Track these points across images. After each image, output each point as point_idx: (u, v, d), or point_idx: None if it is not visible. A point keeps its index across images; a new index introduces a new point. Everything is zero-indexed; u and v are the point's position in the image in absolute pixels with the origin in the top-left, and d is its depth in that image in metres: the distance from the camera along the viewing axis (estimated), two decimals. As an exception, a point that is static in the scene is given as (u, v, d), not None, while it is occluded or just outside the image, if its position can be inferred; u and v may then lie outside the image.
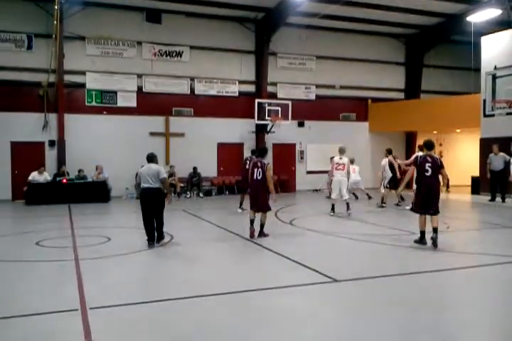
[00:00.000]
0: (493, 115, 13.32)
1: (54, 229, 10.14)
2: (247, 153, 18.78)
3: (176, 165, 17.11)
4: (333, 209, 11.75)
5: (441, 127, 19.87)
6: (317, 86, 19.90)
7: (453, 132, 21.29)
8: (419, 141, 21.27)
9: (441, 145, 21.54)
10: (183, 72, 17.99)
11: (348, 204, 11.65)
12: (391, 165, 13.23)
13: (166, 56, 17.82)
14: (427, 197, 7.74)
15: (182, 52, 17.98)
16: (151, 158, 8.40)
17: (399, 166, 13.08)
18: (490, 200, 14.42)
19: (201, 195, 17.21)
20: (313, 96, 19.90)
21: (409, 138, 21.42)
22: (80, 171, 15.63)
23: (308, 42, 19.43)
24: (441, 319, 4.66)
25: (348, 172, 11.55)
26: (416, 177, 8.00)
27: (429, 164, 7.67)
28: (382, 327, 4.45)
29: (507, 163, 13.55)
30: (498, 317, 4.85)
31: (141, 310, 4.94)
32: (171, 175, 16.94)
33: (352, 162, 13.93)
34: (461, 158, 20.50)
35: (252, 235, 8.73)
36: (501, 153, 14.03)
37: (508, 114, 12.95)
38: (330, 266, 6.65)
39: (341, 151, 11.55)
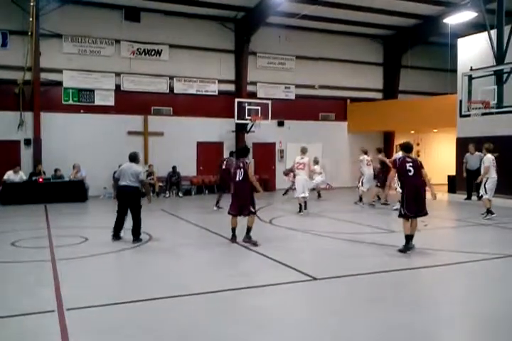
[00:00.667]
0: (469, 115, 13.54)
1: (30, 229, 9.95)
2: (226, 153, 18.75)
3: (155, 165, 16.98)
4: (300, 208, 11.88)
5: (418, 127, 20.18)
6: (297, 86, 19.98)
7: (430, 132, 21.63)
8: (397, 141, 21.65)
9: (418, 144, 21.86)
10: (162, 71, 17.85)
11: (305, 203, 11.81)
12: (383, 163, 13.40)
13: (145, 54, 17.67)
14: (417, 198, 7.38)
15: (161, 50, 17.85)
16: (134, 158, 8.36)
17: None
18: (466, 199, 14.67)
19: (180, 194, 17.11)
20: (292, 96, 19.98)
21: (387, 138, 21.70)
22: (56, 170, 15.37)
23: (288, 42, 19.50)
24: (418, 316, 4.72)
25: (314, 172, 11.90)
26: (399, 179, 7.81)
27: (410, 164, 7.43)
28: (360, 324, 4.49)
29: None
30: (474, 313, 4.94)
31: (120, 311, 4.89)
32: (150, 174, 16.82)
33: (317, 162, 14.56)
34: (438, 157, 20.85)
35: (233, 242, 8.23)
36: (477, 153, 14.21)
37: (483, 114, 13.19)
38: (309, 265, 6.69)
39: (303, 151, 11.80)
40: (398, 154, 10.40)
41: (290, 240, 8.80)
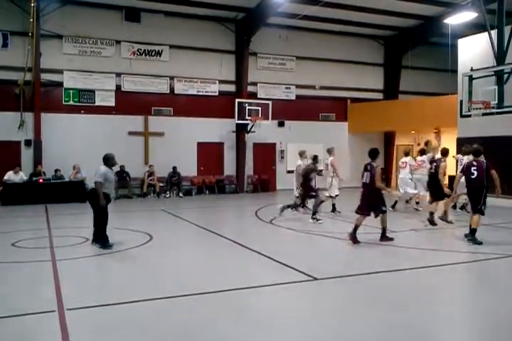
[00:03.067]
0: (469, 115, 13.52)
1: (30, 229, 9.95)
2: (227, 153, 18.83)
3: (156, 165, 17.00)
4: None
5: (419, 127, 20.16)
6: (297, 86, 19.98)
7: (430, 132, 21.59)
8: (398, 141, 21.70)
9: (419, 145, 21.83)
10: (163, 72, 17.86)
11: (295, 203, 11.72)
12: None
13: (145, 55, 17.67)
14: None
15: (161, 51, 17.85)
16: (103, 159, 8.29)
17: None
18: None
19: (181, 194, 17.10)
20: (293, 97, 19.98)
21: (388, 138, 21.67)
22: (56, 171, 15.37)
23: (289, 43, 19.50)
24: (418, 316, 4.71)
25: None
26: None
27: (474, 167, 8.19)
28: (361, 324, 4.48)
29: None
30: (475, 313, 4.93)
31: (120, 311, 4.88)
32: (150, 174, 16.84)
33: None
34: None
35: (354, 241, 8.06)
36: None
37: (484, 114, 13.16)
38: (310, 265, 6.68)
39: (300, 155, 12.34)
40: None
41: (290, 240, 8.79)
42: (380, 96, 21.72)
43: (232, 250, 7.96)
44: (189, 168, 18.01)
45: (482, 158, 8.31)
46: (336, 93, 20.68)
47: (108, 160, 8.10)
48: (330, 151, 12.26)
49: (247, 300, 5.24)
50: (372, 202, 8.18)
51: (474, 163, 8.32)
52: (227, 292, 5.44)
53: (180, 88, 18.17)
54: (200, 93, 18.44)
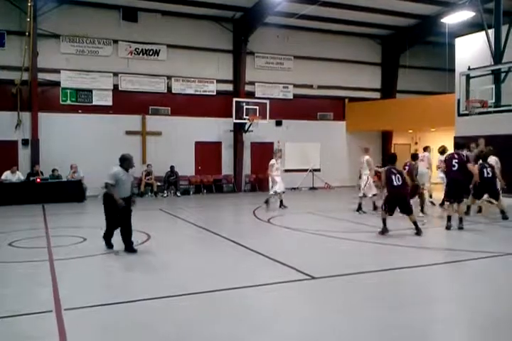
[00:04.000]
0: (467, 114, 13.53)
1: (28, 229, 9.93)
2: (225, 152, 18.83)
3: (153, 164, 17.00)
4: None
5: (416, 126, 20.19)
6: (295, 85, 19.98)
7: (427, 131, 21.64)
8: (395, 140, 21.73)
9: (416, 143, 21.90)
10: (160, 71, 17.84)
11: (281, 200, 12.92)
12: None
13: (143, 54, 17.65)
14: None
15: (159, 50, 17.84)
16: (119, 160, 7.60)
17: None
18: None
19: (178, 194, 17.09)
20: (290, 96, 19.99)
21: (385, 137, 21.70)
22: (54, 170, 15.34)
23: (286, 42, 19.49)
24: (417, 315, 4.72)
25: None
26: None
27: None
28: (360, 323, 4.49)
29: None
30: (473, 312, 4.94)
31: (118, 311, 4.87)
32: (148, 173, 16.82)
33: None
34: (436, 156, 20.81)
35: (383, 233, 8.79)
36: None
37: (481, 113, 13.18)
38: (307, 264, 6.68)
39: (275, 154, 13.57)
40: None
41: (289, 239, 8.80)
42: (377, 95, 21.74)
43: (229, 249, 7.96)
44: (187, 167, 18.01)
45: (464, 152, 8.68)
46: (334, 92, 20.70)
47: (124, 162, 7.46)
48: (366, 150, 12.31)
49: (245, 300, 5.23)
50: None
51: (455, 156, 8.54)
52: (225, 291, 5.43)
53: (177, 87, 18.16)
54: (198, 92, 18.43)
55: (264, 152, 19.61)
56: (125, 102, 17.28)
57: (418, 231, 8.72)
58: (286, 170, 19.77)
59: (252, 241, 8.40)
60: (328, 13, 18.03)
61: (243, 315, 4.74)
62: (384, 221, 8.88)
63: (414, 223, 8.79)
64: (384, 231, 8.83)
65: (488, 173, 10.18)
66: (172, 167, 17.19)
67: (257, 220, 11.10)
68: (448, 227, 9.19)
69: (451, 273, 6.50)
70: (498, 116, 13.10)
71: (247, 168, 19.14)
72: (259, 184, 18.88)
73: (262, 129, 18.49)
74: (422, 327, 4.42)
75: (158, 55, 17.84)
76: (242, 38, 18.47)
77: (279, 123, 19.69)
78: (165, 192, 17.00)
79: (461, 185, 9.23)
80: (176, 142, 17.77)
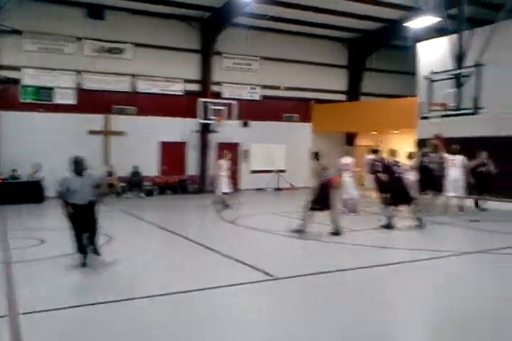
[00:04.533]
0: (428, 117, 13.83)
1: (-17, 231, 9.56)
2: (190, 153, 18.67)
3: (117, 164, 16.65)
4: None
5: (380, 128, 20.50)
6: (262, 86, 20.00)
7: (391, 133, 22.02)
8: (360, 142, 22.00)
9: (379, 145, 22.23)
10: (126, 70, 17.52)
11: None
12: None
13: (108, 53, 17.30)
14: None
15: (125, 49, 17.53)
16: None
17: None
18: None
19: (142, 194, 16.83)
20: (257, 97, 19.99)
21: (350, 139, 21.95)
22: (13, 171, 14.86)
23: (254, 43, 19.48)
24: (375, 314, 4.76)
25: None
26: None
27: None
28: (318, 323, 4.49)
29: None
30: (430, 310, 5.03)
31: (76, 314, 4.73)
32: (110, 174, 16.50)
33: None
34: (398, 157, 21.20)
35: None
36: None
37: (442, 116, 13.50)
38: (271, 264, 6.68)
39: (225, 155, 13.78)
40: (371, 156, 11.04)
41: (252, 240, 8.77)
42: (343, 97, 21.99)
43: (193, 250, 7.88)
44: (151, 167, 17.75)
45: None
46: (300, 94, 20.83)
47: (74, 166, 6.90)
48: (348, 151, 12.79)
49: (209, 301, 5.17)
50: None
51: (395, 163, 9.76)
52: (188, 293, 5.36)
53: (143, 87, 17.88)
54: (164, 92, 18.20)
55: (231, 153, 19.55)
56: (89, 101, 16.87)
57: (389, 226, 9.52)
58: (252, 171, 19.83)
59: (216, 242, 8.33)
60: (296, 16, 18.12)
61: (206, 317, 4.68)
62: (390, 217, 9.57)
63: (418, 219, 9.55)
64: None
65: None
66: (136, 167, 16.92)
67: (222, 221, 11.04)
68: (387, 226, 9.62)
69: (411, 272, 6.60)
70: (459, 119, 13.43)
71: (212, 169, 19.01)
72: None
73: (228, 130, 18.42)
74: (380, 327, 4.46)
75: (124, 54, 17.53)
76: (210, 38, 18.35)
77: (245, 124, 19.67)
78: (128, 193, 16.70)
79: (403, 190, 9.66)
80: (141, 142, 17.48)
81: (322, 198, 8.93)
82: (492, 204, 12.58)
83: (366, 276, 6.24)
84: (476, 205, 12.56)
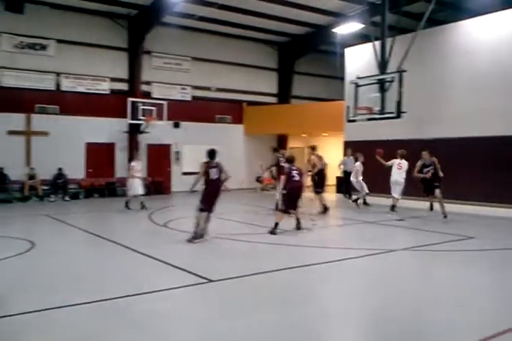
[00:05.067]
0: (355, 120, 14.31)
1: None
2: (119, 154, 18.08)
3: (39, 166, 15.79)
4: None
5: (310, 131, 21.02)
6: (193, 87, 19.81)
7: (320, 135, 22.63)
8: (291, 144, 22.41)
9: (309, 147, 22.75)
10: (49, 67, 16.67)
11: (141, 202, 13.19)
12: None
13: (29, 49, 16.37)
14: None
15: (48, 45, 16.67)
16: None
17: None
18: (345, 196, 16.36)
19: (67, 198, 16.06)
20: (189, 97, 19.77)
21: (281, 141, 22.30)
22: None
23: (185, 43, 19.27)
24: (308, 314, 4.82)
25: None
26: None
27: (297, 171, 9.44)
28: (251, 325, 4.48)
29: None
30: (360, 308, 5.17)
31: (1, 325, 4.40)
32: (32, 177, 15.63)
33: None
34: (328, 159, 21.83)
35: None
36: (352, 157, 15.91)
37: (368, 119, 14.02)
38: (205, 267, 6.60)
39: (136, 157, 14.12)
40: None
41: (185, 243, 8.61)
42: (274, 100, 22.30)
43: (123, 255, 7.60)
44: (77, 170, 16.98)
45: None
46: (232, 95, 20.86)
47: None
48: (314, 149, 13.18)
49: (141, 307, 5.00)
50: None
51: (293, 168, 9.49)
52: (117, 299, 5.15)
53: (68, 85, 17.09)
54: (90, 91, 17.50)
55: (161, 154, 19.24)
56: (8, 99, 15.84)
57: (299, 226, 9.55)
58: (184, 173, 19.54)
59: (147, 246, 8.10)
60: (227, 17, 18.13)
61: (140, 323, 4.51)
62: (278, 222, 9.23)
63: (298, 219, 9.49)
64: (275, 231, 9.17)
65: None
66: (60, 169, 16.13)
67: (152, 224, 10.77)
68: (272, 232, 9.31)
69: (343, 270, 6.77)
70: (383, 123, 14.02)
71: (142, 171, 18.51)
72: (156, 187, 18.40)
73: (158, 131, 18.06)
74: (313, 327, 4.51)
75: (47, 50, 16.66)
76: (138, 37, 17.90)
77: (176, 125, 19.38)
78: (52, 196, 15.87)
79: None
80: (65, 143, 16.69)
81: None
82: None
83: (299, 276, 6.32)
84: (431, 208, 12.67)
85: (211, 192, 8.61)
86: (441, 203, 11.30)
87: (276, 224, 9.19)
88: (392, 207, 12.11)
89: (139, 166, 13.48)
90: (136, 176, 13.15)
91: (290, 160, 9.83)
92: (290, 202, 9.41)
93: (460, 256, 7.57)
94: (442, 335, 4.28)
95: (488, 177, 13.39)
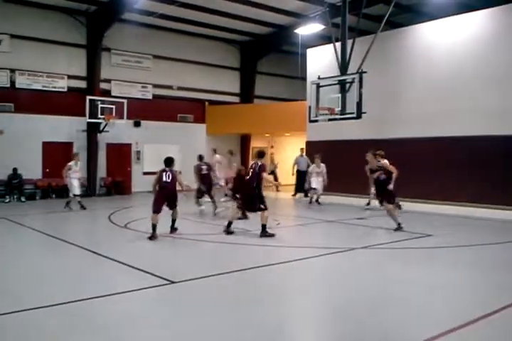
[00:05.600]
0: (316, 120, 14.46)
1: None
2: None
3: (-8, 167, 15.20)
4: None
5: (272, 130, 21.11)
6: (154, 85, 19.51)
7: (283, 135, 22.77)
8: (254, 143, 22.44)
9: (272, 147, 22.90)
10: (2, 63, 16.03)
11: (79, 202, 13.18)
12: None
13: (-19, 44, 15.72)
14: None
15: (1, 40, 16.02)
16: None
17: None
18: (293, 195, 17.26)
19: (23, 199, 15.50)
20: (150, 96, 19.46)
21: (244, 141, 22.31)
22: None
23: (145, 41, 18.95)
24: (272, 312, 4.82)
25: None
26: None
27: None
28: (216, 325, 4.43)
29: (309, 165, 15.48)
30: (326, 305, 5.21)
31: None
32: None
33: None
34: (290, 159, 22.01)
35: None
36: (305, 156, 17.01)
37: (329, 120, 14.19)
38: (167, 268, 6.51)
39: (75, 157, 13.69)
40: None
41: (147, 244, 8.47)
42: (236, 99, 22.25)
43: (83, 257, 7.39)
44: (33, 169, 16.40)
45: (260, 161, 9.23)
46: (194, 94, 20.68)
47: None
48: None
49: (102, 309, 4.87)
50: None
51: (253, 166, 9.19)
52: (78, 302, 4.99)
53: (23, 82, 16.49)
54: (46, 88, 16.94)
55: (121, 153, 18.85)
56: (-42, 96, 15.21)
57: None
58: (145, 173, 19.21)
59: (107, 248, 7.93)
60: (188, 15, 17.94)
61: (101, 326, 4.39)
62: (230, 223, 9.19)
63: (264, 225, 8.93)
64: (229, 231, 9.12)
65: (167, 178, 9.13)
66: (15, 169, 15.53)
67: (112, 226, 10.53)
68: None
69: (307, 268, 6.81)
70: (343, 123, 14.22)
71: (102, 171, 18.14)
72: (116, 187, 18.05)
73: (119, 130, 17.70)
74: (277, 325, 4.51)
75: (0, 46, 16.01)
76: (97, 33, 17.45)
77: (137, 124, 19.05)
78: (7, 197, 15.29)
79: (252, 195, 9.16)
80: (21, 142, 16.09)
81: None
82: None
83: (260, 276, 6.31)
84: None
85: (160, 196, 8.87)
86: (391, 214, 9.62)
87: (229, 223, 9.16)
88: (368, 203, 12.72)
89: (77, 167, 13.30)
90: (72, 177, 13.03)
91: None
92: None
93: (416, 253, 7.78)
94: (394, 334, 4.36)
95: (440, 176, 13.78)
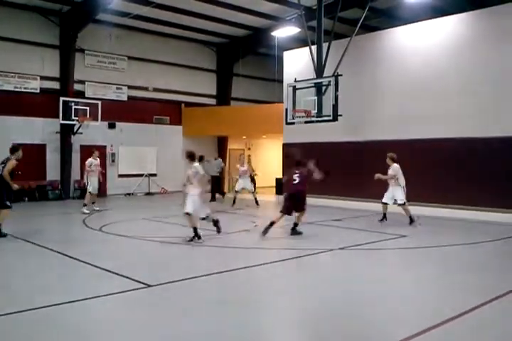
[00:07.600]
0: (293, 123, 14.51)
1: None
2: (50, 156, 17.28)
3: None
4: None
5: (249, 133, 21.11)
6: (129, 87, 19.28)
7: (260, 138, 22.79)
8: (231, 145, 22.41)
9: (249, 149, 22.90)
10: (-28, 63, 15.65)
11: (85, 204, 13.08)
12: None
13: (-50, 43, 15.28)
14: None
15: (-30, 40, 15.64)
16: None
17: None
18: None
19: (-6, 202, 15.09)
20: (125, 97, 19.22)
21: (221, 143, 22.23)
22: None
23: (120, 42, 18.73)
24: (250, 315, 4.79)
25: None
26: None
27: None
28: (196, 327, 4.38)
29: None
30: (302, 306, 5.20)
31: None
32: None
33: None
34: (267, 161, 22.06)
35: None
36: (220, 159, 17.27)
37: (306, 122, 14.26)
38: (143, 272, 6.42)
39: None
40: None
41: (123, 248, 8.34)
42: (213, 101, 22.16)
43: (56, 261, 7.23)
44: (5, 172, 16.00)
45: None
46: (170, 96, 20.52)
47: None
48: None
49: (76, 315, 4.74)
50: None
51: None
52: (50, 308, 4.86)
53: (-7, 83, 16.12)
54: (18, 89, 16.57)
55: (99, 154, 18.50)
56: None
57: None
58: (121, 175, 19.00)
59: (81, 251, 7.76)
60: (164, 17, 17.79)
61: (74, 332, 4.28)
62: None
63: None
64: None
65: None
66: (-14, 172, 15.12)
67: (87, 229, 10.34)
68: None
69: (286, 269, 6.80)
70: (320, 125, 14.30)
71: (76, 173, 17.80)
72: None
73: (93, 131, 17.43)
74: (255, 327, 4.49)
75: (-32, 45, 15.62)
76: (70, 34, 17.16)
77: (112, 126, 18.79)
78: (-24, 200, 14.86)
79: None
80: (-8, 144, 15.70)
81: None
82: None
83: (239, 278, 6.28)
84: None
85: None
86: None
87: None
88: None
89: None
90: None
91: None
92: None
93: (390, 253, 7.88)
94: (370, 333, 4.38)
95: (417, 178, 13.93)
